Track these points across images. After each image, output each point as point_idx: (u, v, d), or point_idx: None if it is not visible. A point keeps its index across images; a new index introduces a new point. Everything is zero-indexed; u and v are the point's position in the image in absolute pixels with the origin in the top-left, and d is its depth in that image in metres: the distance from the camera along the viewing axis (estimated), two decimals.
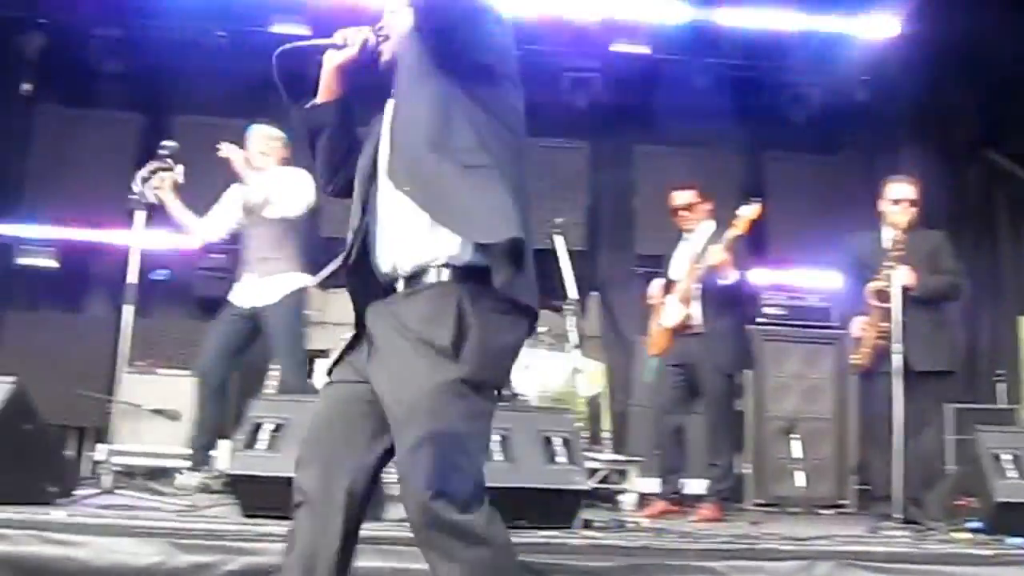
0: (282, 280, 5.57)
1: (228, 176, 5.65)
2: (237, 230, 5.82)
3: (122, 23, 7.62)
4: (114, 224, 7.21)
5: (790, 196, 8.35)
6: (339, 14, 7.19)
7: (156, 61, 7.72)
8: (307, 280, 5.57)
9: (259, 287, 5.60)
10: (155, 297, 7.69)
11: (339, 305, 5.40)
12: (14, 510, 3.83)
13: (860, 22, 7.86)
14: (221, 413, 5.73)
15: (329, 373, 2.67)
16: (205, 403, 5.57)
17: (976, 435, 5.03)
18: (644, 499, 5.96)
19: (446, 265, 2.46)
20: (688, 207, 5.85)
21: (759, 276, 7.09)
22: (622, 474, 6.14)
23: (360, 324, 2.61)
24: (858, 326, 5.56)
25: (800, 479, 6.56)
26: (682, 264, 5.82)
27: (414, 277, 2.50)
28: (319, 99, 2.71)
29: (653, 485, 6.11)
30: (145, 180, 5.12)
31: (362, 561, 3.51)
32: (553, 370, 7.15)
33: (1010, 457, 4.78)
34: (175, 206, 5.56)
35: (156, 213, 5.45)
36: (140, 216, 5.12)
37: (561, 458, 4.33)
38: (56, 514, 3.91)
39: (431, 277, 2.47)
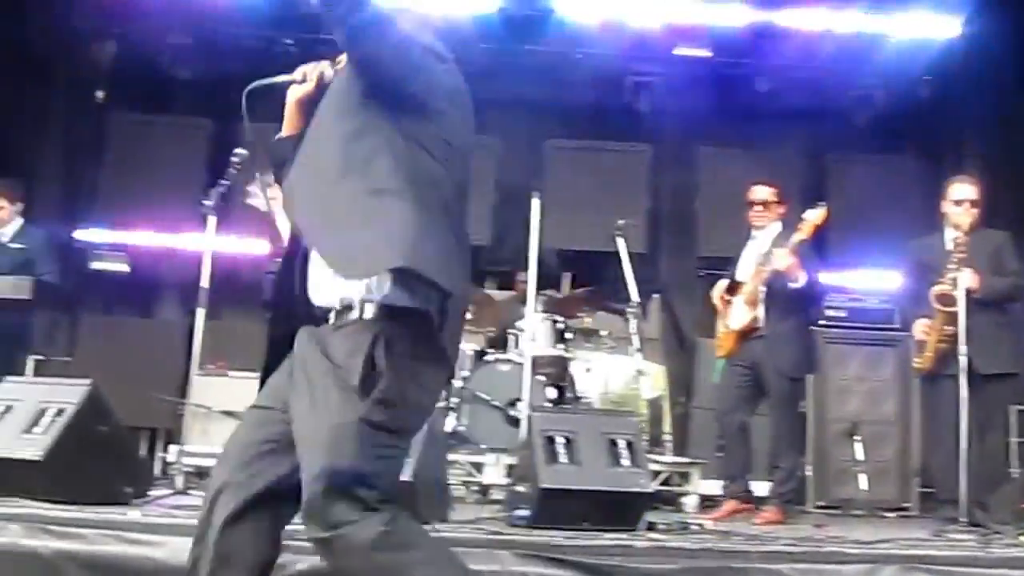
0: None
1: None
2: None
3: (192, 31, 7.81)
4: (185, 228, 7.38)
5: (852, 197, 8.30)
6: None
7: (225, 68, 7.88)
8: None
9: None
10: (226, 300, 7.85)
11: None
12: (92, 510, 3.94)
13: (922, 22, 7.80)
14: None
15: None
16: None
17: None
18: (710, 501, 5.98)
19: (369, 301, 2.44)
20: (764, 204, 5.81)
21: (822, 278, 7.06)
22: (684, 476, 6.15)
23: (284, 344, 2.61)
24: (921, 330, 5.52)
25: (863, 482, 6.52)
26: (749, 265, 5.79)
27: (342, 312, 2.49)
28: (283, 132, 2.78)
29: (715, 487, 6.13)
30: (267, 187, 5.27)
31: None
32: (615, 372, 7.21)
33: None
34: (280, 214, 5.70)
35: (228, 218, 5.58)
36: (212, 221, 5.27)
37: (625, 461, 4.37)
38: (132, 514, 4.01)
39: (354, 314, 2.46)
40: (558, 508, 4.18)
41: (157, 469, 6.75)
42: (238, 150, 5.41)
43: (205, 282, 5.33)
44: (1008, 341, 5.49)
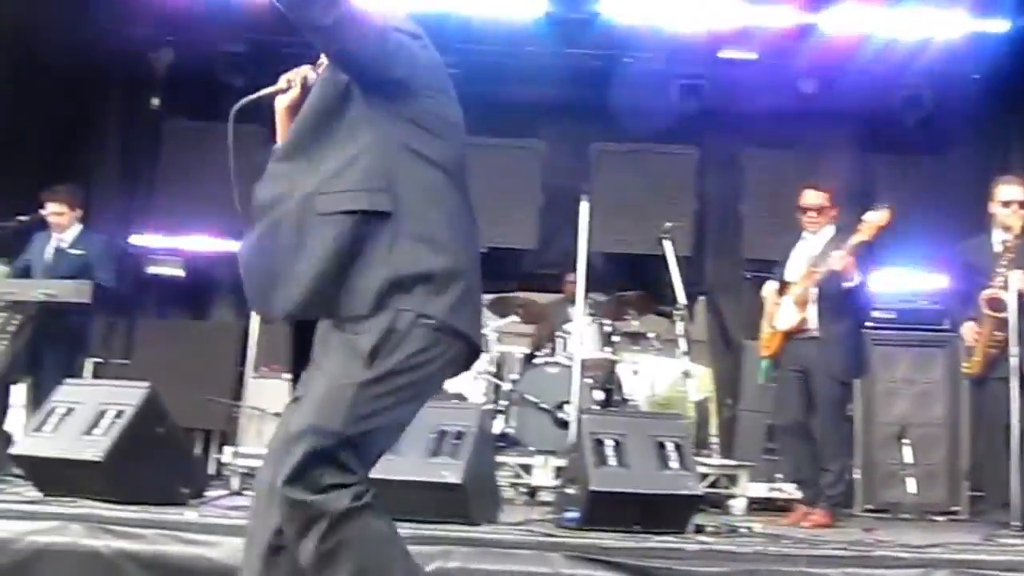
0: None
1: None
2: None
3: (246, 39, 7.90)
4: (238, 234, 7.49)
5: (899, 197, 8.18)
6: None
7: (277, 76, 7.96)
8: None
9: None
10: None
11: None
12: (151, 510, 4.01)
13: (969, 20, 7.71)
14: None
15: None
16: None
17: None
18: (757, 503, 5.98)
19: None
20: (818, 210, 5.75)
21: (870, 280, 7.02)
22: (731, 479, 6.14)
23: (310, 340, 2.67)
24: (970, 334, 5.46)
25: (911, 485, 6.47)
26: (799, 266, 5.74)
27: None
28: (278, 142, 2.79)
29: (762, 490, 6.14)
30: None
31: (479, 563, 3.69)
32: (661, 375, 7.24)
33: None
34: None
35: None
36: None
37: (674, 463, 4.37)
38: (189, 514, 4.08)
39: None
40: (607, 510, 4.21)
41: (211, 470, 6.87)
42: None
43: None
44: None
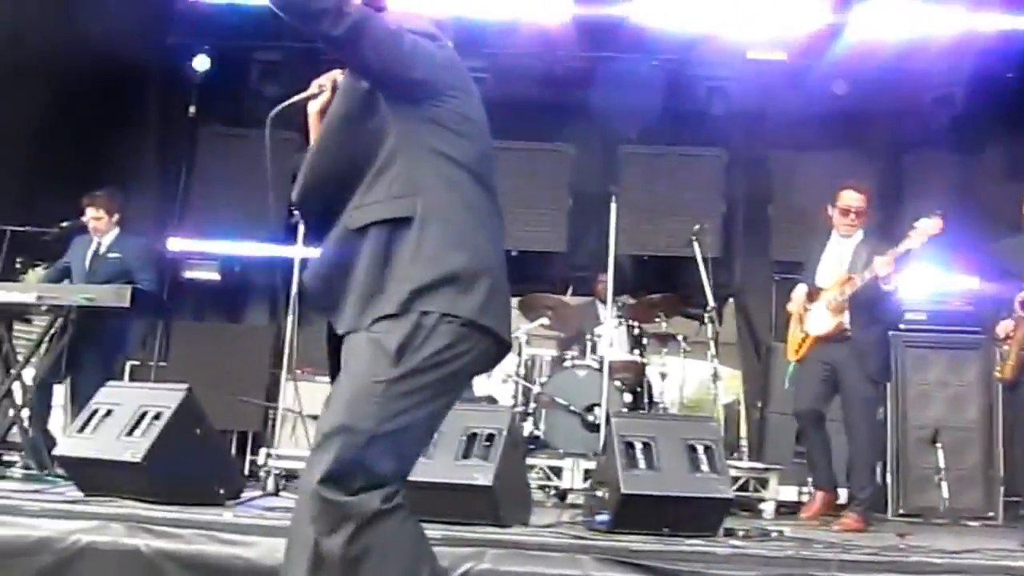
0: None
1: None
2: None
3: (280, 47, 8.00)
4: (272, 238, 7.58)
5: (931, 198, 8.15)
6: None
7: (310, 84, 8.03)
8: None
9: None
10: None
11: None
12: (189, 511, 4.04)
13: (1002, 18, 7.66)
14: None
15: None
16: None
17: None
18: (786, 507, 5.97)
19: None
20: (858, 212, 5.64)
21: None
22: (761, 482, 6.12)
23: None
24: (1004, 331, 5.39)
25: (944, 490, 6.36)
26: (832, 270, 5.66)
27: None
28: (311, 145, 2.82)
29: (792, 493, 6.13)
30: None
31: (510, 565, 3.72)
32: (690, 377, 7.24)
33: None
34: None
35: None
36: (302, 230, 5.42)
37: (705, 466, 4.36)
38: (226, 515, 4.10)
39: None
40: (638, 513, 4.20)
41: (245, 471, 6.90)
42: None
43: (295, 289, 5.49)
44: None
